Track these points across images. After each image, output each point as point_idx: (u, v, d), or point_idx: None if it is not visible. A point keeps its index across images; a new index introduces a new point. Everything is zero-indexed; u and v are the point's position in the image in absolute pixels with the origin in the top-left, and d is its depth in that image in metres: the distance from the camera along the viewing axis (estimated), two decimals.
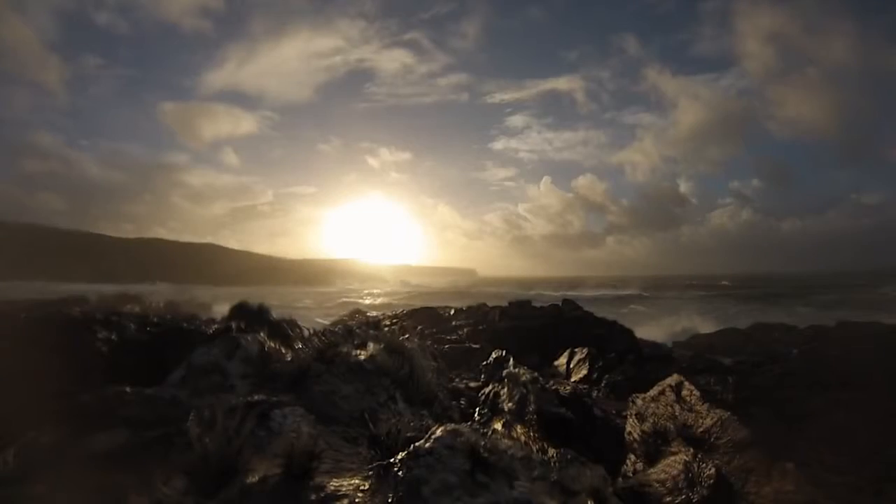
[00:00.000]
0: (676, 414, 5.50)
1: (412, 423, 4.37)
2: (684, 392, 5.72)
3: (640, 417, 5.77)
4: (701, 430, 5.20)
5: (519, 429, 5.84)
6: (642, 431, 5.60)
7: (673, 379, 5.94)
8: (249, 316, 8.36)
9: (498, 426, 6.28)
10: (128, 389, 4.74)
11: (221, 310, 11.92)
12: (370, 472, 3.37)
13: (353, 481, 3.33)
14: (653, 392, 5.99)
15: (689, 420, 5.35)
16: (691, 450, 4.98)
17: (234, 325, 7.45)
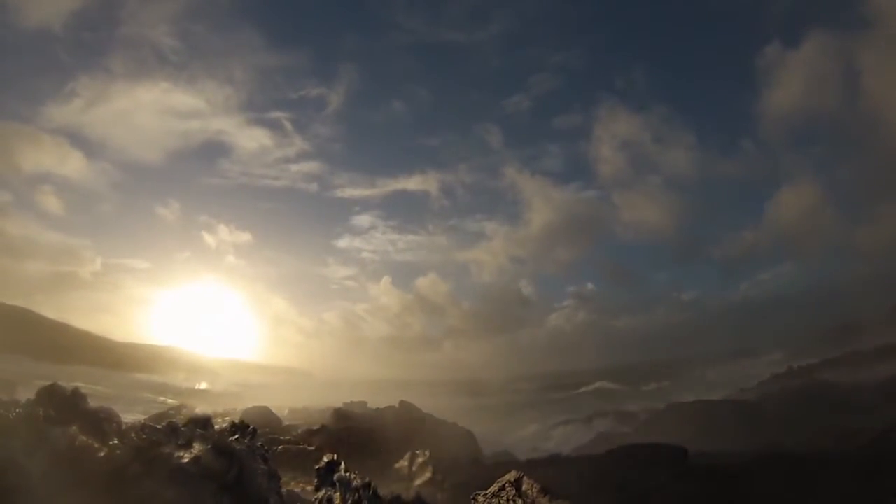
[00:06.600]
0: None
1: None
2: (525, 487, 5.98)
3: None
4: None
5: None
6: None
7: (511, 475, 6.21)
8: (60, 402, 7.43)
9: None
10: None
11: (27, 391, 10.54)
12: None
13: None
14: (493, 489, 6.19)
15: None
16: None
17: (41, 412, 6.56)
